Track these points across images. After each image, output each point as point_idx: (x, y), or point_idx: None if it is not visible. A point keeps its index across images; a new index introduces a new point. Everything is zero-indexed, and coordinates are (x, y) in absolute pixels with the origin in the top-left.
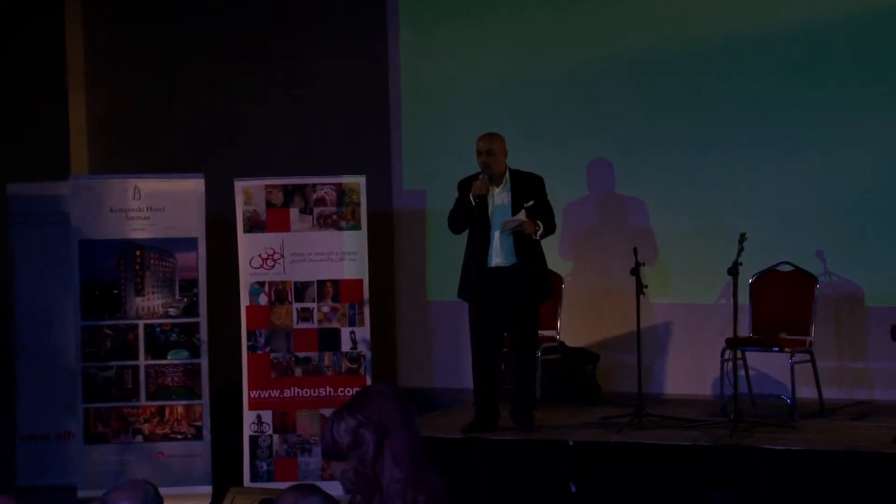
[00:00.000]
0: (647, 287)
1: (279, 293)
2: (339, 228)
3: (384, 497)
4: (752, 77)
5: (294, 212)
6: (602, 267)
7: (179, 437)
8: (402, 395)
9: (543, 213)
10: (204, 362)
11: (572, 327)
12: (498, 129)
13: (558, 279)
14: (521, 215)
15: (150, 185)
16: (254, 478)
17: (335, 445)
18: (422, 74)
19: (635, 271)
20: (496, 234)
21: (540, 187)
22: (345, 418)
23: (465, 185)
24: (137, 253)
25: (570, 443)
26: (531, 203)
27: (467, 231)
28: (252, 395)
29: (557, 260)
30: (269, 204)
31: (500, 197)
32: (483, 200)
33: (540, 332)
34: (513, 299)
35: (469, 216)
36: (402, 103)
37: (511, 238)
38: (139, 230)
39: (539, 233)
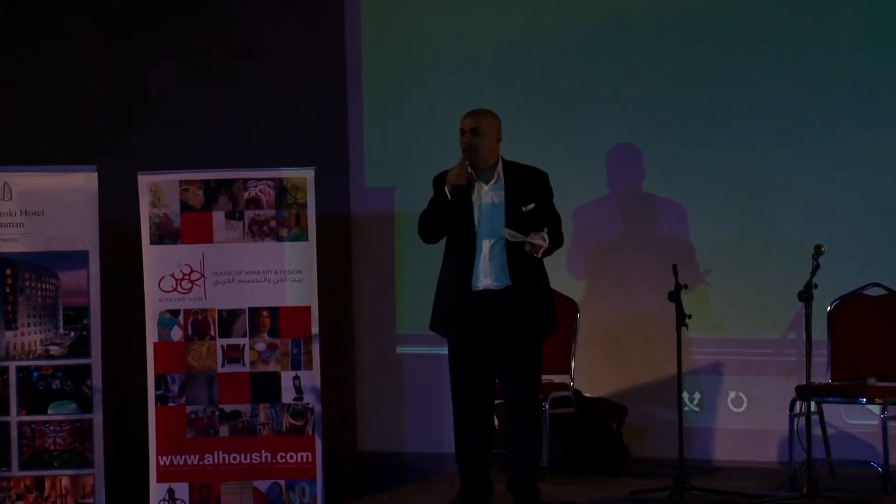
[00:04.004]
0: (690, 317)
1: (198, 325)
2: (280, 239)
3: None
4: (827, 40)
5: (218, 216)
6: (630, 291)
7: None
8: None
9: (549, 222)
10: (97, 418)
11: (591, 371)
12: (488, 107)
13: (572, 307)
14: (540, 238)
15: (25, 182)
16: None
17: None
18: (388, 37)
19: (675, 296)
20: (485, 245)
21: (544, 186)
22: None
23: (442, 180)
24: (7, 272)
25: None
26: (531, 206)
27: (444, 242)
28: (162, 463)
29: (571, 282)
30: (184, 206)
31: (489, 195)
32: (466, 199)
33: (548, 377)
34: (505, 333)
35: (445, 216)
36: (364, 75)
37: (504, 251)
38: (10, 241)
39: (542, 251)
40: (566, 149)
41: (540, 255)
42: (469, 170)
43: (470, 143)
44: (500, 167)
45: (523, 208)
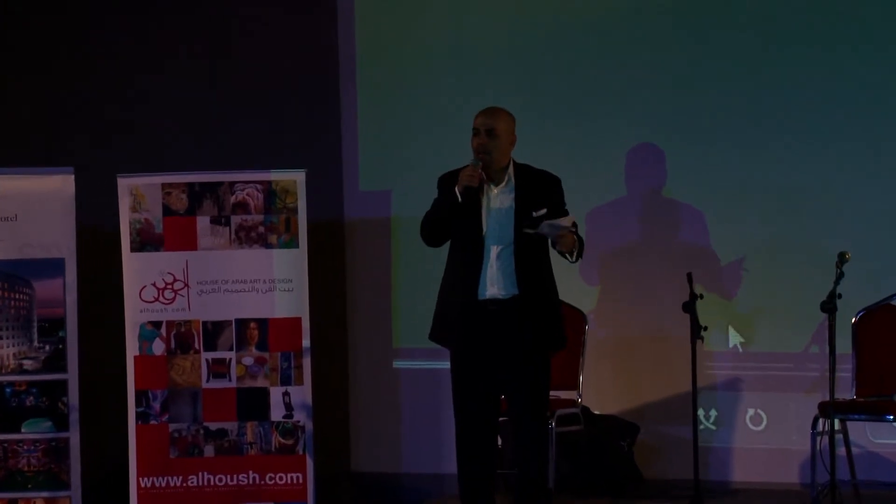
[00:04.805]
0: (706, 329)
1: (182, 338)
2: (268, 245)
3: None
4: (858, 32)
5: (203, 221)
6: (642, 301)
7: None
8: None
9: None
10: (74, 437)
11: (600, 387)
12: (493, 104)
13: (580, 318)
14: (561, 223)
15: None
16: None
17: None
18: (384, 35)
19: (690, 307)
20: (492, 251)
21: (556, 191)
22: None
23: (449, 181)
24: None
25: None
26: (542, 211)
27: (448, 248)
28: (143, 485)
29: (580, 291)
30: (167, 210)
31: (499, 199)
32: (475, 201)
33: (554, 393)
34: (511, 346)
35: (452, 218)
36: (358, 71)
37: (512, 258)
38: None
39: (574, 255)
40: (567, 150)
41: (573, 260)
42: (481, 172)
43: (484, 144)
44: (511, 169)
45: (534, 213)
